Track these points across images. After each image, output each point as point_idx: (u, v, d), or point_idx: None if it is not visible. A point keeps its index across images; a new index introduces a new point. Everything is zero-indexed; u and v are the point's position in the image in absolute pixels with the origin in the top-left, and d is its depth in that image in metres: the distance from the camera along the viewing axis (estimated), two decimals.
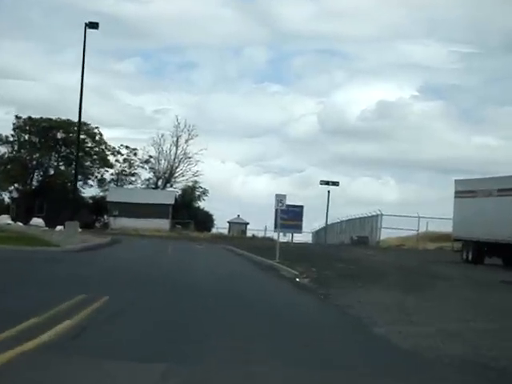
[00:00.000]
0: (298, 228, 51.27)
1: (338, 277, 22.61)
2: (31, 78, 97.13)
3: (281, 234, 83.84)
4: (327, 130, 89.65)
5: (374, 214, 56.18)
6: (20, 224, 55.36)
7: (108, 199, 78.57)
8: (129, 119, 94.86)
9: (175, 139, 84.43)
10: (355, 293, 17.46)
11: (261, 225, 78.57)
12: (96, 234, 58.83)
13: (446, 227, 56.75)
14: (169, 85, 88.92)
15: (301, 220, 51.10)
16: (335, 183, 61.33)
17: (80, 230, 61.18)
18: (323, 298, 16.59)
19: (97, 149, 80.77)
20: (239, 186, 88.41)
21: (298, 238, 73.50)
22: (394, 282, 20.80)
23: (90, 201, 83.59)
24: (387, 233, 55.88)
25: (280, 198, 32.54)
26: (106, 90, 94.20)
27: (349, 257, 36.24)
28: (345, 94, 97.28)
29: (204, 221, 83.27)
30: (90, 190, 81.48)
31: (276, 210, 41.76)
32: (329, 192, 61.20)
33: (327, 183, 61.37)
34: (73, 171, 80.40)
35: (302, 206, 51.28)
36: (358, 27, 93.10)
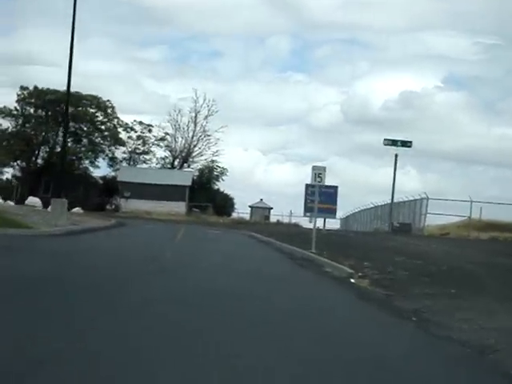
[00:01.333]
0: (331, 212, 44.28)
1: (408, 277, 15.82)
2: (53, 64, 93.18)
3: (310, 218, 77.14)
4: (350, 119, 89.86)
5: (418, 197, 49.10)
6: (10, 203, 48.89)
7: (119, 179, 71.98)
8: (154, 107, 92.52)
9: (193, 115, 77.69)
10: (460, 308, 10.66)
11: (285, 210, 73.39)
12: (103, 216, 52.32)
13: (501, 215, 50.14)
14: (194, 73, 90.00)
15: (335, 203, 44.11)
16: (406, 143, 52.95)
17: (81, 211, 54.93)
18: (417, 322, 9.75)
19: (108, 124, 73.98)
20: (261, 174, 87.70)
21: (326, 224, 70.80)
22: (500, 289, 13.96)
23: (101, 181, 77.04)
24: (432, 219, 48.86)
25: (318, 172, 25.72)
26: (132, 77, 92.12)
27: (400, 247, 29.40)
28: (368, 83, 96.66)
29: (223, 204, 76.55)
30: (100, 170, 74.95)
31: (306, 189, 35.59)
32: (396, 156, 53.36)
33: (394, 143, 53.07)
34: (82, 148, 74.43)
35: (336, 187, 44.26)
36: (382, 17, 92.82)
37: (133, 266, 15.81)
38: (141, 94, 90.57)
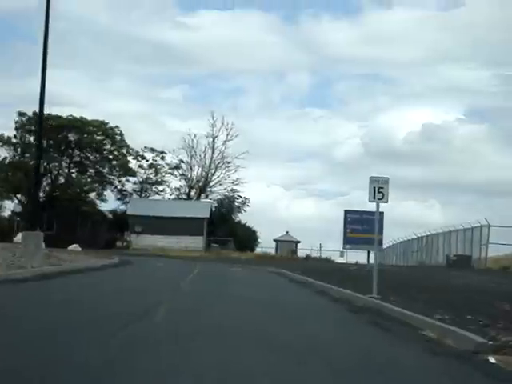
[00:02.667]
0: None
1: None
2: (78, 105, 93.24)
3: (341, 253, 69.20)
4: (371, 153, 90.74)
5: (477, 225, 41.70)
6: None
7: (129, 212, 65.23)
8: (176, 146, 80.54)
9: (211, 140, 71.08)
10: None
11: (312, 244, 67.97)
12: (108, 254, 45.54)
13: None
14: (215, 110, 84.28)
15: (381, 232, 36.80)
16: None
17: (79, 248, 48.03)
18: None
19: (117, 153, 67.38)
20: (283, 209, 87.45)
21: (358, 257, 64.08)
22: None
23: (110, 216, 70.42)
24: (493, 250, 41.44)
25: (379, 185, 18.44)
26: (154, 117, 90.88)
27: (483, 287, 22.21)
28: (389, 117, 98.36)
29: (246, 238, 69.59)
30: (109, 204, 68.23)
31: (345, 216, 29.08)
32: None
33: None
34: (88, 179, 67.78)
35: (381, 213, 36.95)
36: (401, 51, 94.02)
37: (93, 331, 8.91)
38: (163, 132, 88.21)
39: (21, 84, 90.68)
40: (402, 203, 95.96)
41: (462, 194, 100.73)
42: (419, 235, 57.26)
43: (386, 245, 71.35)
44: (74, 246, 45.41)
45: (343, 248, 37.39)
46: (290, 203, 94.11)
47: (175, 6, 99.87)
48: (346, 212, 36.69)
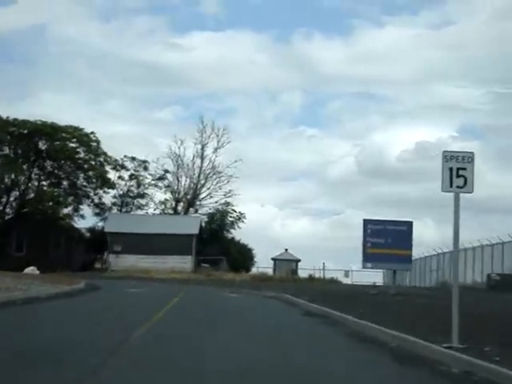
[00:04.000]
0: (406, 261, 29.97)
1: None
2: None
3: (346, 273, 61.99)
4: (365, 171, 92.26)
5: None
6: None
7: (107, 229, 58.11)
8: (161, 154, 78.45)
9: (200, 148, 64.17)
10: None
11: (312, 264, 63.72)
12: (77, 278, 38.71)
13: None
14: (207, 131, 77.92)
15: (410, 247, 29.90)
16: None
17: (36, 271, 40.88)
18: None
19: (93, 162, 60.32)
20: (278, 229, 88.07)
21: (364, 278, 57.54)
22: None
23: (88, 234, 63.26)
24: None
25: (457, 165, 11.33)
26: (147, 138, 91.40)
27: None
28: (382, 135, 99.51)
29: (241, 257, 62.44)
30: (86, 220, 61.16)
31: (365, 227, 23.46)
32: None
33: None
34: (60, 194, 60.72)
35: (410, 223, 30.10)
36: (393, 70, 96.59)
37: None
38: (156, 154, 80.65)
39: None
40: None
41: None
42: (439, 251, 50.40)
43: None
44: (31, 269, 38.59)
45: (363, 267, 30.41)
46: (285, 222, 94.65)
47: (167, 27, 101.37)
48: (366, 222, 29.79)
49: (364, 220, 30.05)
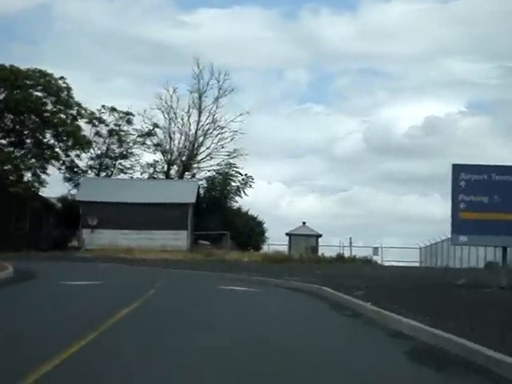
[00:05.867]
0: None
1: None
2: None
3: (378, 248, 51.80)
4: (373, 148, 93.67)
5: None
6: None
7: (79, 198, 47.58)
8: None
9: (197, 97, 53.40)
10: None
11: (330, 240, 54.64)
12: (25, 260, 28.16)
13: None
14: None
15: None
16: None
17: None
18: None
19: (63, 116, 49.37)
20: (286, 206, 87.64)
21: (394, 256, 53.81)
22: None
23: (59, 204, 52.66)
24: None
25: None
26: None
27: None
28: (390, 112, 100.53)
29: (249, 232, 51.79)
30: (56, 187, 50.46)
31: (456, 177, 13.28)
32: None
33: None
34: (24, 153, 49.80)
35: None
36: (401, 45, 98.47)
37: None
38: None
39: None
40: (403, 197, 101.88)
41: None
42: None
43: (421, 243, 57.16)
44: None
45: (453, 243, 19.43)
46: (292, 199, 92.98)
47: (173, 4, 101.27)
48: (457, 169, 18.75)
49: (454, 166, 18.90)
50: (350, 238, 56.04)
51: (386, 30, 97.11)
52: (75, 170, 50.74)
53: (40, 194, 50.25)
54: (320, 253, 50.82)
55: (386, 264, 48.21)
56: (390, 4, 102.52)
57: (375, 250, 55.77)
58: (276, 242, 56.60)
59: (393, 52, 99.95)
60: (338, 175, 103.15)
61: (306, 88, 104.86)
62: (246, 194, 53.10)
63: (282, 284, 22.23)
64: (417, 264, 55.63)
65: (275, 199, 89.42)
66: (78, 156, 50.37)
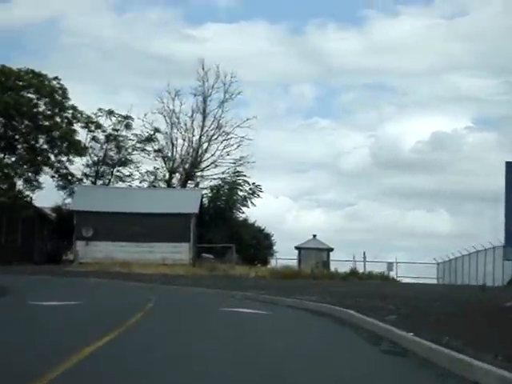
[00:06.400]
0: None
1: None
2: None
3: (392, 263, 52.11)
4: (379, 162, 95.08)
5: None
6: None
7: (74, 207, 44.53)
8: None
9: (201, 99, 50.46)
10: None
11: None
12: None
13: None
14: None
15: None
16: None
17: None
18: None
19: (58, 119, 46.32)
20: (292, 221, 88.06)
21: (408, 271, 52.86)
22: None
23: (53, 215, 49.68)
24: None
25: None
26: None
27: None
28: (396, 127, 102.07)
29: (256, 245, 48.63)
30: (48, 196, 47.49)
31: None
32: None
33: None
34: (15, 160, 46.75)
35: None
36: (407, 61, 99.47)
37: None
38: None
39: None
40: (409, 213, 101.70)
41: (470, 202, 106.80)
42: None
43: (451, 255, 53.29)
44: None
45: (505, 257, 16.11)
46: (299, 214, 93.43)
47: (181, 19, 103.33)
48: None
49: (508, 164, 15.71)
50: (364, 253, 52.82)
51: (392, 45, 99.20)
52: (69, 178, 47.53)
53: (33, 203, 47.27)
54: (332, 268, 47.80)
55: (404, 280, 45.25)
56: (396, 19, 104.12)
57: (390, 265, 52.92)
58: (283, 256, 54.25)
59: (399, 67, 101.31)
60: (344, 190, 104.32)
61: (313, 102, 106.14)
62: (253, 204, 50.02)
63: (294, 304, 19.10)
64: (434, 281, 53.02)
65: (281, 213, 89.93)
66: (72, 162, 47.32)
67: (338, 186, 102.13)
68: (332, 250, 53.44)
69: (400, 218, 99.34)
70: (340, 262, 51.13)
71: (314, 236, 53.34)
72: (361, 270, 46.86)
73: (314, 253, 51.89)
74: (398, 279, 46.10)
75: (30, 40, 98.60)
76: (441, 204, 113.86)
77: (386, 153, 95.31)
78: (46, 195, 50.25)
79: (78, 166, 47.96)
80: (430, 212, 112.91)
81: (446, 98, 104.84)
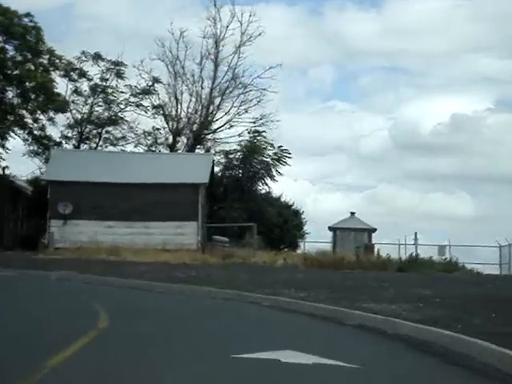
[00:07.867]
0: None
1: None
2: None
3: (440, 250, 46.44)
4: (399, 145, 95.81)
5: None
6: None
7: (47, 176, 36.73)
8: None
9: (212, 43, 42.33)
10: None
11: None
12: None
13: None
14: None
15: None
16: None
17: None
18: None
19: (31, 66, 38.45)
20: (311, 204, 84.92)
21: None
22: None
23: (30, 189, 42.32)
24: None
25: None
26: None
27: None
28: (416, 109, 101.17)
29: (282, 225, 41.95)
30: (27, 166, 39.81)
31: None
32: None
33: None
34: None
35: None
36: (427, 42, 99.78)
37: None
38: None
39: None
40: (429, 195, 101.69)
41: (491, 184, 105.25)
42: None
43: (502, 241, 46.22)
44: None
45: None
46: (317, 197, 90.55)
47: (198, 3, 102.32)
48: None
49: None
50: (416, 234, 44.71)
51: (411, 27, 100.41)
52: (45, 141, 39.25)
53: (5, 174, 39.58)
54: (377, 253, 39.50)
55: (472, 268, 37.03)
56: (415, 0, 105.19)
57: (441, 248, 44.96)
58: (313, 238, 47.24)
59: (419, 49, 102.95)
60: (363, 173, 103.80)
61: (331, 85, 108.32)
62: (279, 173, 41.81)
63: (383, 327, 10.03)
64: (497, 267, 45.72)
65: (300, 197, 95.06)
66: (53, 121, 39.11)
67: (357, 169, 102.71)
68: (375, 230, 45.62)
69: (420, 200, 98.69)
70: (380, 245, 44.20)
71: (353, 214, 45.43)
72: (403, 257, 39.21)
73: (353, 234, 44.22)
74: (469, 268, 37.88)
75: (43, 25, 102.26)
76: (462, 186, 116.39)
77: (406, 135, 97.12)
78: (22, 164, 42.19)
79: (57, 124, 40.02)
80: (450, 194, 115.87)
81: (466, 80, 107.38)
